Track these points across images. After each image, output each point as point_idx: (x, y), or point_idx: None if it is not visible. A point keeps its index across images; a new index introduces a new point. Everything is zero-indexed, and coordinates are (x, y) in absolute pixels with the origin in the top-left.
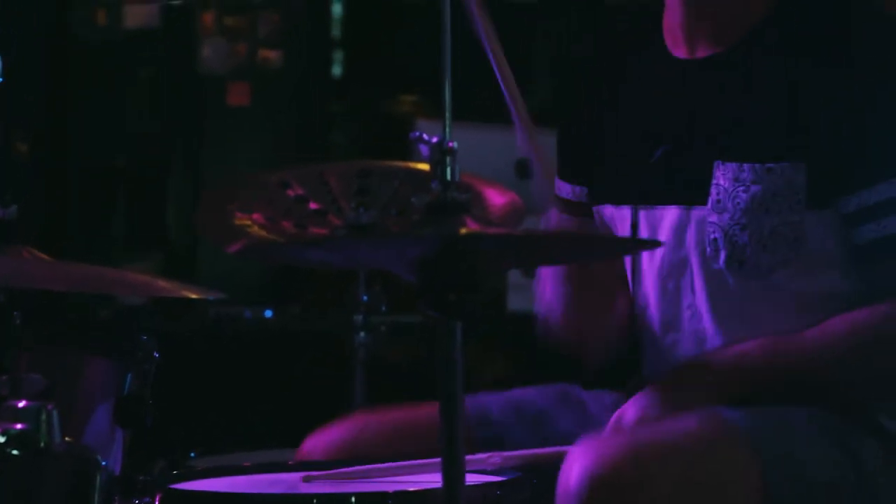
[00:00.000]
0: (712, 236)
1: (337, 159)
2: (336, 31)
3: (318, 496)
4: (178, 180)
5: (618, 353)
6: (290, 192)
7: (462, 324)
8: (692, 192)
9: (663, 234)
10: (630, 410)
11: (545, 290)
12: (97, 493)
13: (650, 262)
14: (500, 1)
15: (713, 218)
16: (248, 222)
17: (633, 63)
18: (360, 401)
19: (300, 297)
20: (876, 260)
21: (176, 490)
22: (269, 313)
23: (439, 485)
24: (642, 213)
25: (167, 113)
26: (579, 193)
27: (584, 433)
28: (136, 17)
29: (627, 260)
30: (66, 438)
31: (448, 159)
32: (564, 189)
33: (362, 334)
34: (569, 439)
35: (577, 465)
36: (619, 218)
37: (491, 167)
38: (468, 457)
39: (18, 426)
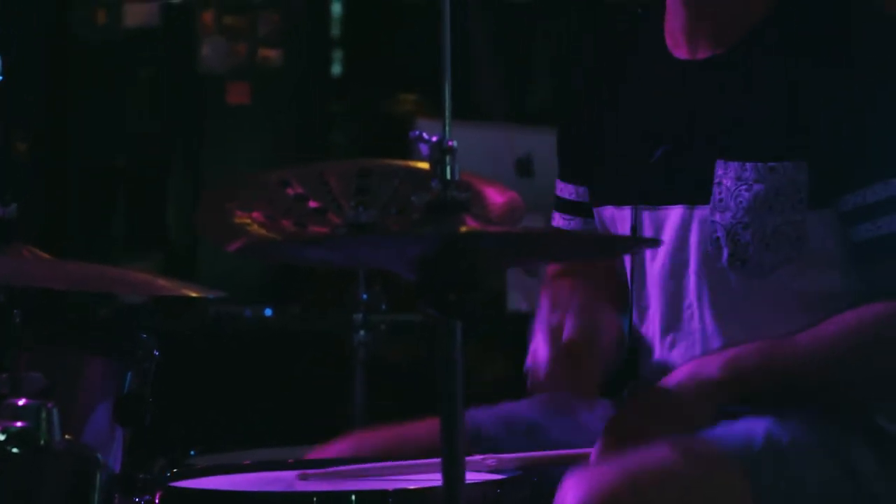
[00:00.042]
0: (715, 235)
1: (337, 158)
2: (336, 31)
3: (318, 494)
4: (178, 180)
5: (614, 367)
6: (290, 191)
7: (462, 323)
8: (692, 192)
9: (667, 234)
10: (622, 423)
11: (537, 348)
12: (97, 491)
13: (652, 263)
14: (500, 1)
15: (716, 217)
16: (248, 221)
17: (633, 63)
18: (360, 400)
19: (300, 296)
20: (874, 259)
21: (176, 488)
22: (269, 312)
23: (438, 483)
24: (646, 214)
25: (167, 112)
26: (582, 193)
27: (577, 442)
28: (136, 16)
29: (627, 260)
30: (67, 437)
31: (448, 158)
32: (566, 190)
33: (362, 333)
34: (562, 448)
35: (572, 493)
36: (619, 219)
37: (491, 166)
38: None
39: (18, 424)
